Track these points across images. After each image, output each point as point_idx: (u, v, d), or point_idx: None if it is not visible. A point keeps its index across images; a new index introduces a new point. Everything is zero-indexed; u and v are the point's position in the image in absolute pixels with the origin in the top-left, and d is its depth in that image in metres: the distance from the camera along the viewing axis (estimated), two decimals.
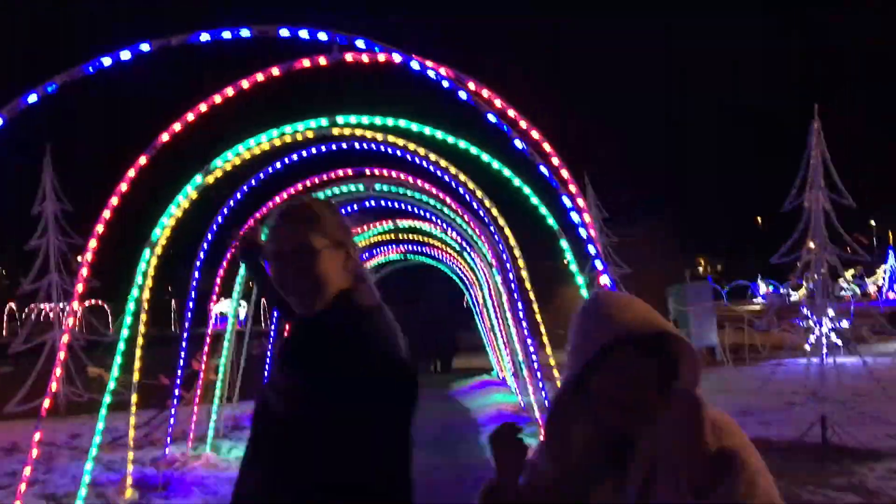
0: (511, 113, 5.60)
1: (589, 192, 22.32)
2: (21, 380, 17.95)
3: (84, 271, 6.02)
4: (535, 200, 6.97)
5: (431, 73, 5.36)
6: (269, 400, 2.12)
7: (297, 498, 1.99)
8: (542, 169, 4.99)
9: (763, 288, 48.05)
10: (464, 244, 14.67)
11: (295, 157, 9.17)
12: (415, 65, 5.36)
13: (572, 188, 5.47)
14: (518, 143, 4.99)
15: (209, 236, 9.66)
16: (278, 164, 9.18)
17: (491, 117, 5.03)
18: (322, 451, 1.98)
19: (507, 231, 8.73)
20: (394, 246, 20.41)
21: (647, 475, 1.91)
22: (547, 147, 5.52)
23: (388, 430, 2.07)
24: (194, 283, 9.69)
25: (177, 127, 6.04)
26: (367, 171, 10.68)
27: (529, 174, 6.74)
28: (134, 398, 8.31)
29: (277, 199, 11.00)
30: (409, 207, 13.38)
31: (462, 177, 8.49)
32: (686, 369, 1.98)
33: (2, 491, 9.09)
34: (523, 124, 5.51)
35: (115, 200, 6.07)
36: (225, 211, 9.57)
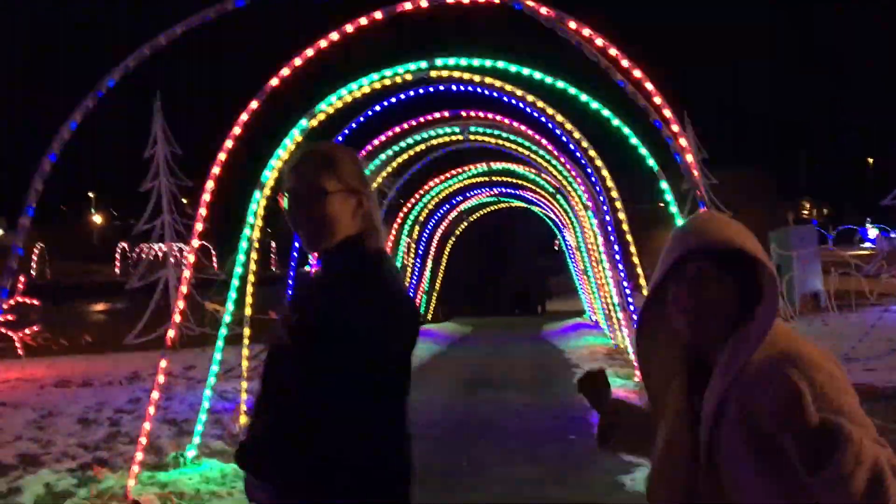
0: (612, 52, 5.56)
1: (689, 131, 21.70)
2: (137, 315, 19.14)
3: (203, 211, 6.38)
4: (634, 141, 6.91)
5: (532, 10, 5.34)
6: (282, 339, 2.17)
7: (304, 437, 2.04)
8: (650, 111, 4.95)
9: (872, 232, 45.88)
10: (559, 187, 14.62)
11: (394, 99, 9.31)
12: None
13: (675, 128, 5.41)
14: (624, 82, 4.95)
15: None
16: (377, 108, 9.34)
17: (593, 58, 5.01)
18: (327, 387, 2.03)
19: (605, 172, 8.67)
20: (487, 189, 20.50)
21: (717, 412, 1.90)
22: (649, 86, 5.45)
23: (390, 369, 2.11)
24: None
25: (285, 72, 6.26)
26: (464, 114, 10.75)
27: (629, 115, 6.70)
28: (246, 332, 8.80)
29: (376, 141, 11.24)
30: (504, 150, 13.41)
31: (559, 118, 8.45)
32: (767, 297, 1.92)
33: (127, 415, 9.83)
34: (625, 63, 5.46)
35: (229, 143, 6.36)
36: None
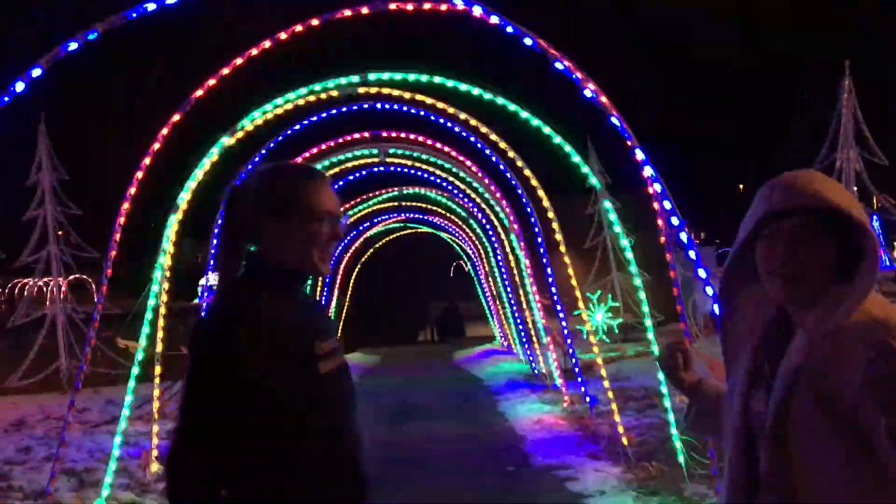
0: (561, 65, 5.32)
1: (592, 157, 22.06)
2: (19, 356, 17.60)
3: (118, 237, 5.69)
4: (576, 159, 6.72)
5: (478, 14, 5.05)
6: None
7: None
8: (615, 121, 4.73)
9: None
10: (474, 210, 14.40)
11: (315, 118, 8.85)
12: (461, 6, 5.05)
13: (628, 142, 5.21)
14: (587, 93, 4.72)
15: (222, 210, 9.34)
16: (298, 126, 8.85)
17: (559, 65, 4.75)
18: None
19: (541, 193, 8.46)
20: (395, 214, 20.13)
21: (793, 377, 1.79)
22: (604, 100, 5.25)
23: None
24: (212, 251, 9.35)
25: (211, 82, 5.71)
26: (384, 134, 10.36)
27: (571, 133, 6.50)
28: (158, 370, 8.04)
29: (297, 160, 10.70)
30: (419, 173, 13.09)
31: (493, 136, 8.18)
32: (867, 260, 1.79)
33: (17, 467, 8.81)
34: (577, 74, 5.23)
35: (147, 161, 5.73)
36: (243, 175, 9.24)
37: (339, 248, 20.17)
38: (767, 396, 1.84)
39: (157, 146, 5.77)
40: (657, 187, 4.68)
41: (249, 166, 9.41)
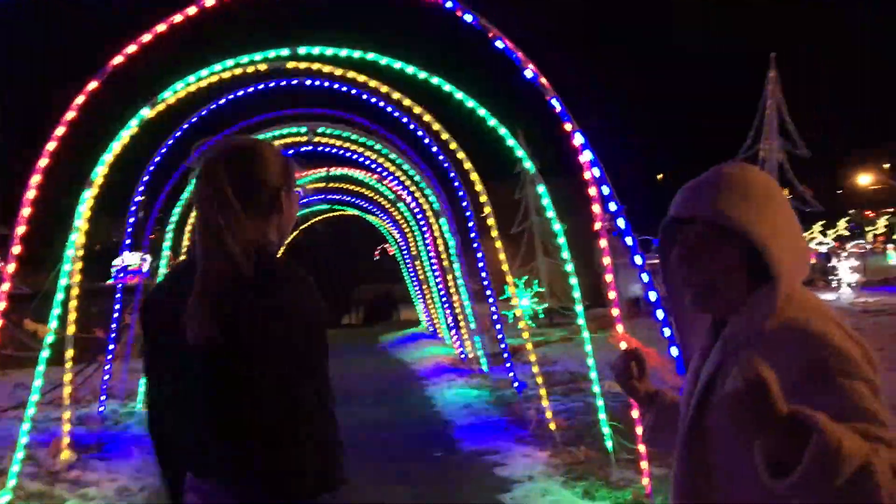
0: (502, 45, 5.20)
1: (521, 142, 22.13)
2: None
3: (26, 211, 5.27)
4: (511, 142, 6.62)
5: None
6: None
7: None
8: (555, 103, 4.63)
9: None
10: (402, 193, 14.21)
11: (241, 92, 8.51)
12: None
13: (568, 126, 5.14)
14: (528, 73, 4.60)
15: (145, 178, 8.93)
16: (222, 101, 8.49)
17: (499, 43, 4.62)
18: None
19: (474, 176, 8.33)
20: (321, 196, 19.76)
21: (708, 381, 1.78)
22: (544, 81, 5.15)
23: None
24: (129, 230, 8.96)
25: (131, 49, 5.34)
26: (313, 111, 10.06)
27: (508, 116, 6.41)
28: (69, 353, 7.60)
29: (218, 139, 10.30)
30: (348, 154, 12.82)
31: (427, 117, 8.00)
32: (773, 274, 1.70)
33: None
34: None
35: (60, 130, 5.34)
36: (162, 150, 8.85)
37: None
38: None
39: (71, 115, 5.39)
40: (595, 172, 4.63)
41: (170, 141, 9.02)
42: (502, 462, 7.57)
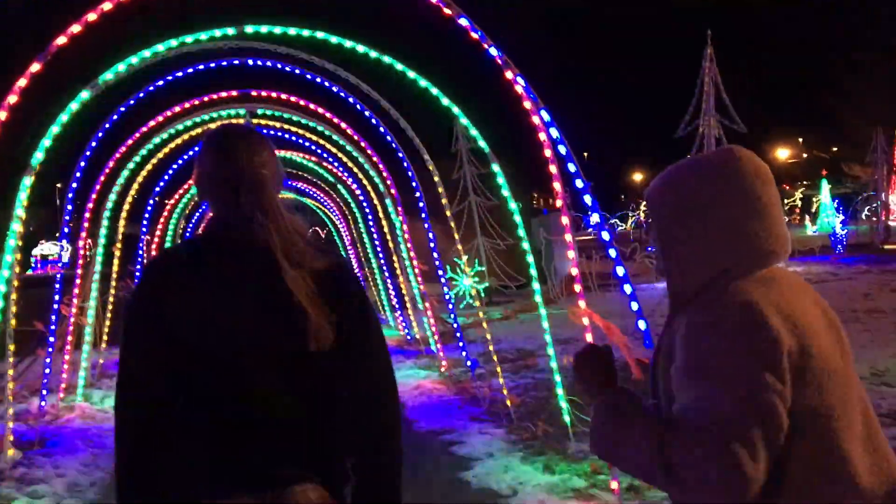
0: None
1: (456, 120, 22.12)
2: None
3: None
4: (464, 121, 6.60)
5: None
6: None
7: None
8: (521, 80, 4.62)
9: (594, 219, 50.23)
10: (344, 175, 14.05)
11: (180, 74, 8.25)
12: None
13: (527, 104, 5.15)
14: (493, 52, 4.57)
15: (82, 163, 8.58)
16: (161, 82, 8.22)
17: (463, 21, 4.58)
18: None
19: (426, 156, 8.27)
20: None
21: (656, 355, 1.97)
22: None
23: None
24: (66, 218, 8.61)
25: (75, 29, 5.10)
26: (254, 93, 9.84)
27: (460, 96, 6.39)
28: (11, 347, 7.28)
29: (153, 122, 10.01)
30: (287, 136, 12.60)
31: (374, 95, 7.88)
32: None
33: None
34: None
35: (1, 115, 5.06)
36: (100, 134, 8.53)
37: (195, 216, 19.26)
38: None
39: (13, 99, 5.11)
40: (562, 149, 4.66)
41: (107, 125, 8.70)
42: (459, 440, 7.62)
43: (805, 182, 61.31)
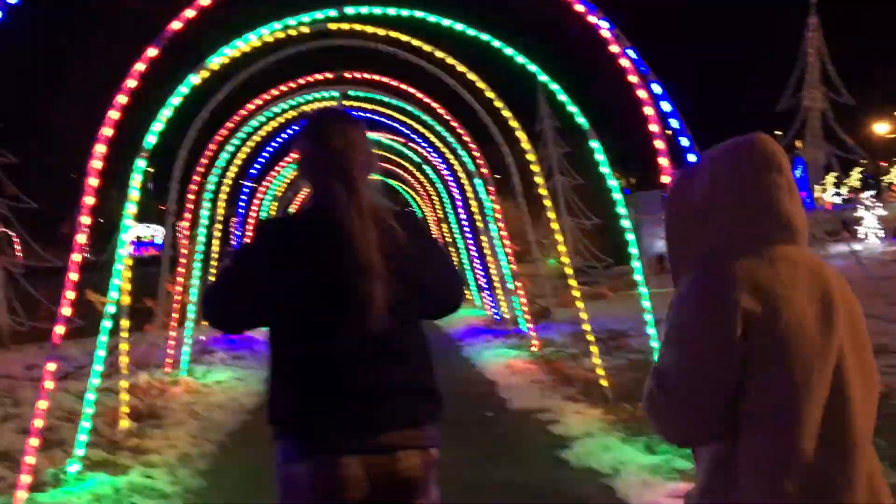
0: None
1: (541, 99, 21.93)
2: None
3: (93, 181, 5.22)
4: (562, 97, 6.52)
5: None
6: None
7: None
8: (631, 53, 4.53)
9: None
10: (432, 155, 14.10)
11: (273, 58, 8.42)
12: None
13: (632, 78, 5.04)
14: (605, 26, 4.48)
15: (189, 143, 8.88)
16: (261, 64, 8.40)
17: None
18: None
19: (521, 134, 8.19)
20: None
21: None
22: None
23: None
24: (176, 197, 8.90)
25: (189, 14, 5.26)
26: (347, 74, 9.95)
27: (558, 72, 6.30)
28: (125, 323, 7.62)
29: (252, 105, 10.26)
30: (376, 117, 12.72)
31: (471, 76, 7.86)
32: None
33: None
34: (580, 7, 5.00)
35: (122, 98, 5.26)
36: (205, 115, 8.81)
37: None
38: None
39: (132, 83, 5.31)
40: (675, 123, 4.53)
41: (213, 104, 8.95)
42: (555, 420, 7.59)
43: None
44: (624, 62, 4.92)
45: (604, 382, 8.00)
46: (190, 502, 6.09)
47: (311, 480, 2.28)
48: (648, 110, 4.98)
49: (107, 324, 6.38)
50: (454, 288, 2.71)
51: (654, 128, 4.96)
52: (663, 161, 4.97)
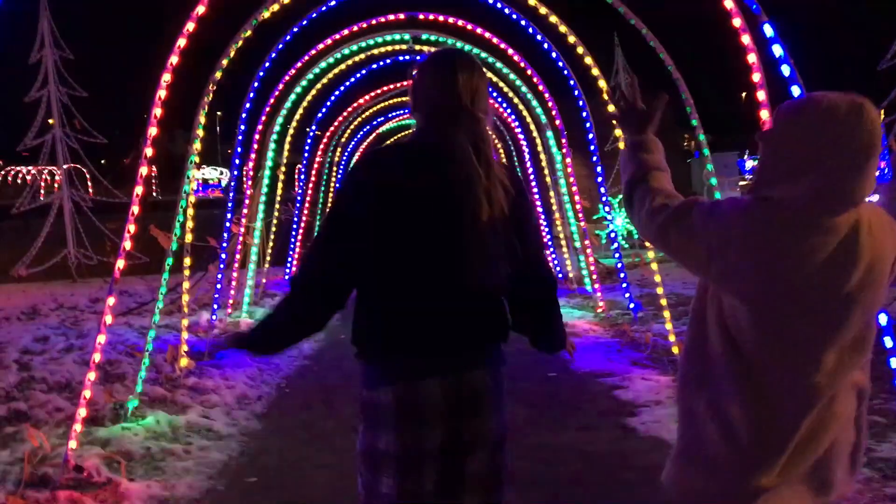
0: None
1: (619, 53, 21.15)
2: (24, 243, 17.08)
3: (153, 130, 5.04)
4: (652, 43, 6.08)
5: None
6: None
7: None
8: None
9: (749, 164, 47.18)
10: (501, 105, 13.66)
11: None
12: None
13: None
14: None
15: (254, 85, 8.69)
16: (323, 8, 8.10)
17: None
18: None
19: (602, 83, 7.73)
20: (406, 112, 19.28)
21: None
22: None
23: None
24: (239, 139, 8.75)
25: None
26: (421, 16, 9.57)
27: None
28: (187, 261, 7.54)
29: (314, 50, 10.00)
30: None
31: (553, 18, 7.38)
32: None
33: (38, 356, 8.47)
34: None
35: (182, 42, 5.05)
36: (267, 64, 8.59)
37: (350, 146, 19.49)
38: None
39: (182, 42, 5.08)
40: (785, 70, 4.08)
41: (281, 45, 8.72)
42: (621, 385, 7.30)
43: None
44: (728, 3, 4.48)
45: (674, 349, 7.65)
46: (246, 444, 6.03)
47: (396, 404, 2.39)
48: (752, 57, 4.53)
49: (170, 261, 6.26)
50: (547, 265, 2.78)
51: (756, 76, 4.52)
52: (764, 114, 4.54)
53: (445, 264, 2.37)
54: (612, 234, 10.10)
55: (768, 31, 4.02)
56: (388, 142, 23.65)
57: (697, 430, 2.13)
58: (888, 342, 4.62)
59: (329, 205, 2.56)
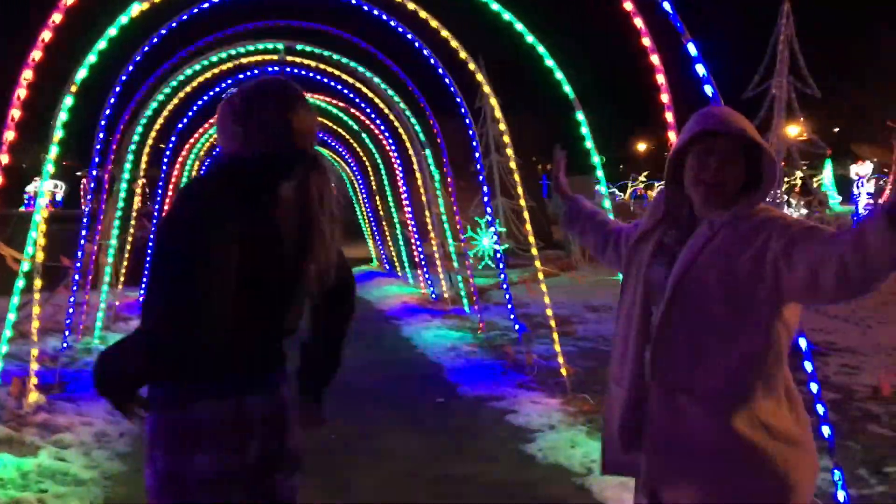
0: None
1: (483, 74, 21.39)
2: None
3: (9, 135, 4.33)
4: (549, 62, 5.98)
5: None
6: None
7: None
8: (667, 5, 3.99)
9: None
10: (375, 122, 13.37)
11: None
12: None
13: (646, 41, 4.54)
14: None
15: (117, 88, 7.93)
16: (196, 10, 7.54)
17: None
18: None
19: (494, 101, 7.59)
20: None
21: (698, 251, 2.33)
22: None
23: None
24: (98, 147, 7.95)
25: None
26: (297, 24, 9.13)
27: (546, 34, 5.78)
28: (38, 283, 6.67)
29: (185, 53, 9.34)
30: (320, 78, 11.90)
31: (445, 33, 7.19)
32: (767, 177, 2.34)
33: None
34: None
35: (47, 35, 4.39)
36: (133, 62, 7.88)
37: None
38: (667, 269, 2.37)
39: (58, 18, 4.44)
40: (708, 90, 4.01)
41: (146, 48, 8.05)
42: (512, 409, 7.13)
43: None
44: (638, 22, 4.42)
45: (564, 371, 7.58)
46: (109, 489, 5.36)
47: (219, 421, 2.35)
48: (660, 77, 4.50)
49: (20, 283, 5.49)
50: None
51: (664, 97, 4.48)
52: (672, 135, 4.50)
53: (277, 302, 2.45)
54: (480, 255, 10.01)
55: (692, 49, 3.97)
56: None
57: None
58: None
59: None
